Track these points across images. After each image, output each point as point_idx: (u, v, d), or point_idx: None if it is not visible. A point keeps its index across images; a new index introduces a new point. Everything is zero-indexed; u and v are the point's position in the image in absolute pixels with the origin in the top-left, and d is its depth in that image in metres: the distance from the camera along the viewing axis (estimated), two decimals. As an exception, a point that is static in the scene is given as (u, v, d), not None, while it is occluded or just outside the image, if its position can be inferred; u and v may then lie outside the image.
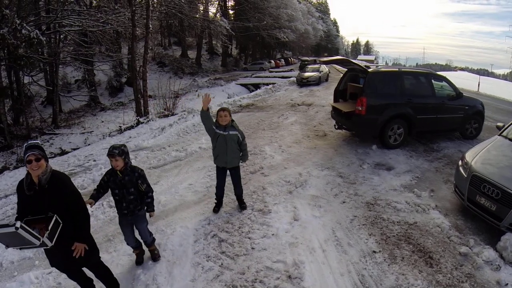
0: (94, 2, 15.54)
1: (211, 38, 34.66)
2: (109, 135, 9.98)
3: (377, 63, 65.78)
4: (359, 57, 79.66)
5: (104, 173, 2.79)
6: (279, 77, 22.52)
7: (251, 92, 17.14)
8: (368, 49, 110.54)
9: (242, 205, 3.90)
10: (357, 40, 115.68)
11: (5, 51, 11.09)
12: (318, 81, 16.57)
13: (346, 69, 6.92)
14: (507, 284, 2.66)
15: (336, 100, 6.82)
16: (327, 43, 69.54)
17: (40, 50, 13.07)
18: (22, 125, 13.67)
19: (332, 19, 78.05)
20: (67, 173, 3.35)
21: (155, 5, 17.15)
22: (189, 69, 28.90)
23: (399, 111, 5.62)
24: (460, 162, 3.91)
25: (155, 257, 3.02)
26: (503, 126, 4.40)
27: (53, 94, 15.13)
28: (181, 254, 3.10)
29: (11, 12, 10.80)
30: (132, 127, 9.90)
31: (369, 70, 5.80)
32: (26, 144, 2.05)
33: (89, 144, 10.02)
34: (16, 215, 2.12)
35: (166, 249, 3.17)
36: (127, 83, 21.33)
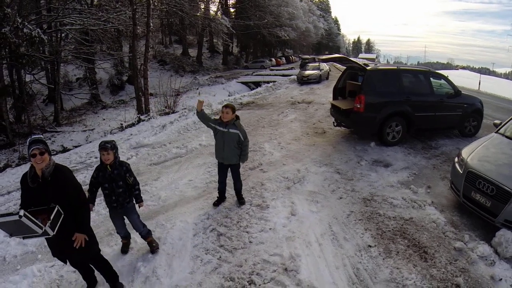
0: (95, 0, 15.57)
1: (212, 37, 34.61)
2: (110, 133, 10.03)
3: (378, 62, 65.58)
4: (360, 55, 79.24)
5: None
6: (280, 75, 22.49)
7: (252, 90, 17.15)
8: (369, 47, 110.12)
9: (240, 201, 3.97)
10: (358, 38, 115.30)
11: (6, 49, 11.17)
12: (318, 79, 16.59)
13: (345, 67, 6.96)
14: (501, 279, 2.70)
15: (335, 97, 6.86)
16: (328, 41, 69.35)
17: (41, 48, 13.15)
18: (24, 123, 13.77)
19: (333, 17, 77.81)
20: (69, 169, 3.43)
21: (156, 4, 17.17)
22: (190, 67, 28.92)
23: (397, 108, 5.66)
24: (456, 159, 3.95)
25: (153, 249, 3.10)
26: (500, 123, 4.43)
27: (54, 92, 15.21)
28: (181, 247, 3.17)
29: (13, 11, 10.85)
30: (133, 124, 9.94)
31: (368, 68, 5.84)
32: (30, 138, 2.12)
33: (90, 142, 10.09)
34: (20, 206, 2.19)
35: (166, 242, 3.24)
36: (128, 81, 21.40)
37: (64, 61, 15.34)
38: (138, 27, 13.46)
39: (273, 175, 4.77)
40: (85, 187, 4.21)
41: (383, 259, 2.94)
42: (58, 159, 7.36)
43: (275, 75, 23.45)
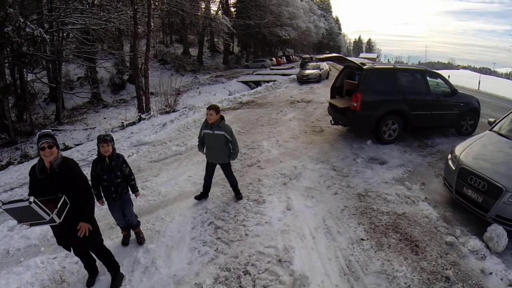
0: (96, 0, 15.67)
1: (212, 36, 34.66)
2: (112, 131, 10.13)
3: (379, 61, 65.51)
4: (361, 55, 79.17)
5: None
6: (280, 75, 22.54)
7: (252, 89, 17.23)
8: (370, 47, 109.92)
9: (238, 196, 4.06)
10: (359, 38, 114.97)
11: (8, 49, 11.29)
12: (318, 79, 16.64)
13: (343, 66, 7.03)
14: (491, 272, 2.76)
15: (333, 96, 6.95)
16: (329, 41, 69.21)
17: (43, 48, 13.26)
18: (26, 121, 13.90)
19: (334, 17, 77.53)
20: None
21: (156, 3, 17.27)
22: (190, 67, 29.00)
23: (394, 107, 5.74)
24: (449, 156, 4.02)
25: (141, 240, 3.26)
26: (495, 121, 4.50)
27: (56, 91, 15.34)
28: (179, 239, 3.28)
29: (15, 10, 10.97)
30: (134, 123, 10.05)
31: (364, 67, 5.92)
32: (39, 132, 2.27)
33: (92, 140, 10.20)
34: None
35: (165, 235, 3.35)
36: (129, 81, 21.50)
37: (66, 60, 15.47)
38: (139, 27, 13.58)
39: (270, 171, 4.87)
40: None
41: (375, 252, 3.02)
42: (60, 156, 7.48)
43: (276, 74, 23.49)
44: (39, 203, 1.97)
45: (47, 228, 3.57)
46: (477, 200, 3.32)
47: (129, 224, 3.23)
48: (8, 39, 10.24)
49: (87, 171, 5.34)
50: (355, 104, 5.59)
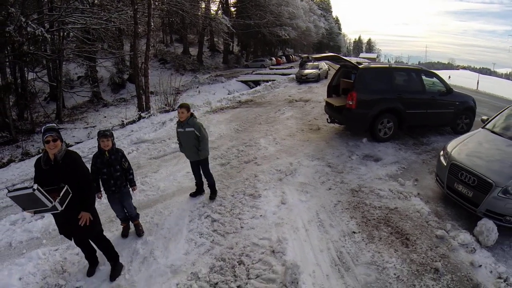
0: (97, 0, 15.76)
1: (212, 36, 34.73)
2: (112, 129, 10.24)
3: (378, 61, 65.57)
4: (361, 55, 79.25)
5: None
6: (279, 74, 22.61)
7: (251, 88, 17.32)
8: (370, 47, 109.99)
9: (212, 195, 4.03)
10: (359, 38, 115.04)
11: (9, 48, 11.38)
12: (317, 78, 16.73)
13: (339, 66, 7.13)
14: (481, 265, 2.83)
15: (329, 95, 7.04)
16: (329, 40, 69.26)
17: (43, 47, 13.35)
18: (27, 120, 13.98)
19: (334, 16, 77.61)
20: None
21: (156, 3, 17.33)
22: (190, 66, 29.08)
23: (389, 105, 5.83)
24: (441, 152, 4.11)
25: (140, 232, 3.37)
26: (487, 119, 4.60)
27: (56, 90, 15.42)
28: (177, 232, 3.39)
29: (16, 10, 11.06)
30: (134, 121, 10.16)
31: (360, 66, 6.01)
32: (44, 126, 2.40)
33: (92, 138, 10.31)
34: None
35: (164, 227, 3.46)
36: (129, 80, 21.57)
37: (66, 60, 15.54)
38: (139, 27, 13.66)
39: (266, 168, 4.97)
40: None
41: (366, 244, 3.12)
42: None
43: (275, 74, 23.57)
44: (42, 190, 2.08)
45: (48, 222, 3.68)
46: (468, 195, 3.39)
47: (128, 216, 3.34)
48: (9, 38, 10.32)
49: (88, 166, 5.49)
50: (351, 103, 5.69)
